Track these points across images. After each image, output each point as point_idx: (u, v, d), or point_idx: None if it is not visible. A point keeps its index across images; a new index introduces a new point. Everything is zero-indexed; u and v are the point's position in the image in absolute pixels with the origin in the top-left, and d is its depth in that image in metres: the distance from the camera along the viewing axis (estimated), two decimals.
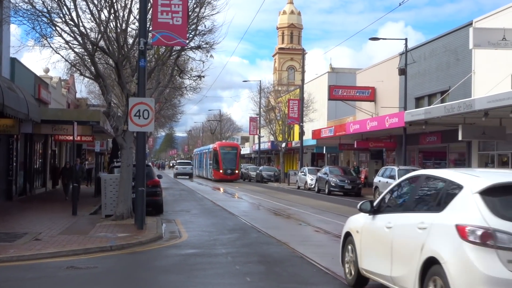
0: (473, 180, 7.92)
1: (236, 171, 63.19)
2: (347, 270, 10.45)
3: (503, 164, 32.27)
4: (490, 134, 30.00)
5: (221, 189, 44.52)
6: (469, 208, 7.51)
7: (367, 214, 9.79)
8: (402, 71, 38.03)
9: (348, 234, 10.55)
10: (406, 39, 38.79)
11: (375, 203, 9.82)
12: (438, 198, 8.31)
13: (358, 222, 10.25)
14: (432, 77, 39.52)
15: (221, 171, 61.29)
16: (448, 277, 7.19)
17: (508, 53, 29.65)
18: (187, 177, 72.08)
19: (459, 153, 36.74)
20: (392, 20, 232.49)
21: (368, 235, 9.75)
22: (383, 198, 9.97)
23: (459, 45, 35.69)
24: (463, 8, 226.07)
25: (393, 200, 9.89)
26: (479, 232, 7.10)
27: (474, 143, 33.85)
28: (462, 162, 35.54)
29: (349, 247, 10.37)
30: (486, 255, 7.06)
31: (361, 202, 10.00)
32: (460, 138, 30.13)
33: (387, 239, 8.89)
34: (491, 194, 7.49)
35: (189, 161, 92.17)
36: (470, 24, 34.00)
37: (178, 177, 72.07)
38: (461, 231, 7.26)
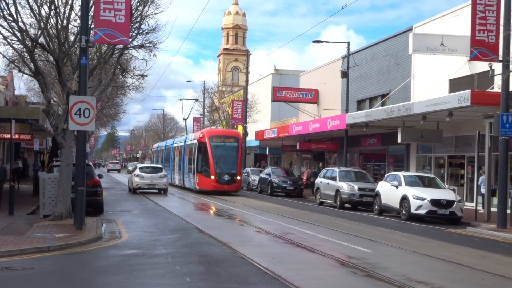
0: (139, 165, 44.93)
1: (238, 177, 39.25)
2: (129, 187, 39.95)
3: (440, 166, 33.06)
4: (428, 137, 30.70)
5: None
6: (136, 170, 38.92)
7: (133, 173, 39.51)
8: (344, 74, 38.57)
9: (129, 178, 41.40)
10: (348, 43, 39.38)
11: (133, 170, 43.91)
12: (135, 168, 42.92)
13: (132, 175, 39.50)
14: (373, 81, 40.23)
15: (212, 177, 38.01)
16: (130, 182, 39.57)
17: (446, 58, 30.43)
18: (117, 171, 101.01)
19: (398, 155, 37.44)
20: (334, 24, 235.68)
21: (132, 178, 38.54)
22: (134, 169, 43.19)
23: (399, 50, 36.44)
24: (403, 13, 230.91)
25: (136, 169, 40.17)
26: (136, 174, 37.86)
27: (413, 145, 34.59)
28: (400, 164, 36.24)
29: (129, 182, 40.60)
30: (135, 177, 37.61)
31: (130, 169, 59.57)
32: (399, 140, 30.76)
33: (134, 178, 37.74)
34: (140, 168, 39.77)
35: (118, 161, 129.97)
36: (410, 29, 34.76)
37: (109, 171, 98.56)
38: (134, 175, 37.84)
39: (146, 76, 24.94)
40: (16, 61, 21.67)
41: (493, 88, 26.40)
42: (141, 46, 22.06)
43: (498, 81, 23.58)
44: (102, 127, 70.22)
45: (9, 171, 27.84)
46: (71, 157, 19.46)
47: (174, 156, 50.73)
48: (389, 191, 25.93)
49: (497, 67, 23.68)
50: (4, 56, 20.93)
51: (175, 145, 51.77)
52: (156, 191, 38.17)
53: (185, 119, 69.96)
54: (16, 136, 28.61)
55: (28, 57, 19.45)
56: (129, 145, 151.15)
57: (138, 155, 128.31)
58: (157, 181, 37.66)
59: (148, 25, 21.70)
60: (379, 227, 21.36)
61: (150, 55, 22.83)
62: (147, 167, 40.99)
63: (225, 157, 39.09)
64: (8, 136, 26.21)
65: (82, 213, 17.22)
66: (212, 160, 38.25)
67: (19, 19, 18.40)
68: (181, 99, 72.33)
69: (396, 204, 25.04)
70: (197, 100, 69.55)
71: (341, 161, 39.35)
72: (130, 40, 19.71)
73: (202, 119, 70.78)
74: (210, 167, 38.16)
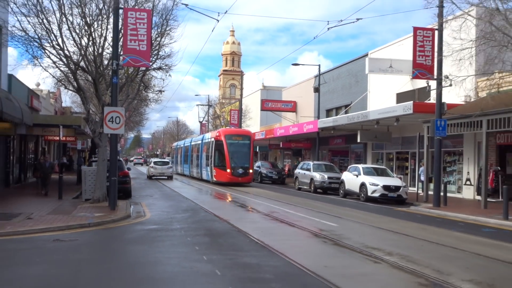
0: (153, 160, 50.82)
1: (250, 170, 35.54)
2: (147, 175, 44.11)
3: (389, 160, 33.21)
4: (380, 137, 30.83)
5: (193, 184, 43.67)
6: (151, 164, 45.14)
7: (149, 165, 45.56)
8: (316, 89, 38.65)
9: (147, 169, 45.40)
10: (319, 65, 39.49)
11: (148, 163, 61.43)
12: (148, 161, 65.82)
13: (149, 167, 45.15)
14: (339, 94, 40.31)
15: (228, 170, 34.45)
16: (148, 172, 45.09)
17: (394, 77, 30.57)
18: (140, 164, 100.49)
19: (357, 151, 37.57)
20: (308, 51, 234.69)
21: (149, 169, 43.78)
22: (150, 162, 49.05)
23: (358, 71, 36.53)
24: (361, 42, 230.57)
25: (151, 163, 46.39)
26: (151, 166, 44.22)
27: (369, 144, 34.72)
28: (360, 158, 36.35)
29: (147, 171, 44.56)
30: (151, 168, 43.34)
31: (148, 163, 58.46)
32: (358, 140, 30.87)
33: (150, 169, 43.05)
34: (154, 162, 45.06)
35: (142, 157, 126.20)
36: (366, 55, 34.85)
37: (135, 165, 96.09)
38: (150, 166, 44.37)
39: (163, 91, 25.22)
40: (63, 80, 21.62)
41: (429, 99, 26.52)
42: (159, 68, 22.08)
43: (433, 94, 23.70)
44: (129, 131, 69.90)
45: (57, 166, 27.78)
46: (106, 154, 19.44)
47: (192, 153, 45.84)
48: (351, 179, 26.00)
49: (433, 83, 23.81)
50: (53, 77, 20.90)
51: (192, 143, 46.89)
52: (165, 177, 43.00)
53: (200, 122, 67.83)
54: (64, 138, 28.57)
55: (72, 77, 19.42)
56: (150, 144, 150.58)
57: (157, 153, 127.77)
58: (165, 170, 43.71)
59: (165, 52, 21.81)
60: (344, 207, 21.40)
61: (166, 75, 22.96)
62: (158, 161, 47.12)
63: (239, 153, 35.11)
64: (57, 138, 26.16)
65: (115, 197, 17.23)
66: (228, 156, 34.59)
67: (65, 48, 18.40)
68: (197, 105, 70.07)
69: (356, 189, 25.14)
70: (211, 105, 67.90)
71: (314, 156, 39.43)
72: (151, 63, 19.72)
73: (207, 124, 70.60)
74: (226, 162, 34.69)
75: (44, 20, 17.94)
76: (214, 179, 35.84)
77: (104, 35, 19.20)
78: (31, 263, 9.28)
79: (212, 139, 37.17)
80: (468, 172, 25.81)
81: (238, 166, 34.61)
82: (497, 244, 12.35)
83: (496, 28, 16.29)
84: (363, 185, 24.46)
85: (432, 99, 25.08)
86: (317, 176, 29.84)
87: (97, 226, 13.90)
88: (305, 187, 31.40)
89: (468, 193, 25.54)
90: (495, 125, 19.95)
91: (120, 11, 17.67)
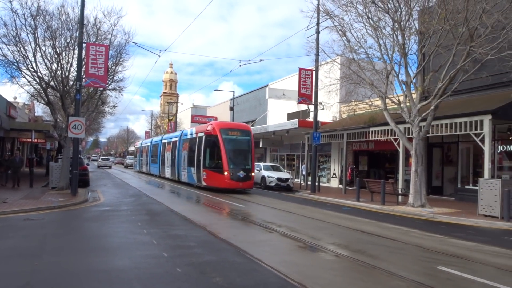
0: (101, 156, 59.25)
1: (252, 173, 20.59)
2: (97, 166, 46.50)
3: (282, 160, 33.99)
4: (276, 144, 31.44)
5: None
6: (99, 159, 52.30)
7: (98, 160, 52.06)
8: (231, 109, 38.69)
9: (98, 163, 46.07)
10: (233, 92, 39.59)
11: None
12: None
13: (98, 161, 51.28)
14: (247, 113, 40.73)
15: (225, 173, 19.78)
16: (97, 163, 48.94)
17: (285, 102, 31.36)
18: (96, 161, 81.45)
19: (260, 153, 38.16)
20: (226, 81, 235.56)
21: (98, 162, 45.83)
22: (99, 158, 56.98)
23: (261, 96, 37.16)
24: (264, 77, 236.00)
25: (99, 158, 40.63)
26: (99, 160, 50.93)
27: (268, 148, 35.32)
28: (261, 158, 36.92)
29: (97, 164, 35.36)
30: (99, 161, 50.70)
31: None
32: (260, 146, 31.24)
33: (98, 162, 45.58)
34: (102, 158, 43.11)
35: (97, 156, 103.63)
36: (266, 85, 35.53)
37: (92, 160, 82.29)
38: (98, 160, 47.60)
39: (116, 106, 24.21)
40: (36, 95, 20.12)
41: (309, 118, 27.56)
42: (114, 89, 21.18)
43: (312, 115, 24.68)
44: (89, 135, 65.61)
45: (27, 161, 25.73)
46: (70, 153, 18.27)
47: (164, 151, 30.70)
48: (256, 173, 26.21)
49: (311, 107, 24.80)
50: (28, 92, 19.44)
51: (164, 141, 31.63)
52: (108, 167, 52.30)
53: (169, 120, 55.65)
54: (35, 140, 26.52)
55: (43, 93, 18.11)
56: (106, 146, 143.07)
57: (112, 152, 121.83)
58: (107, 163, 53.85)
59: (118, 77, 20.94)
60: (250, 194, 21.46)
61: (119, 94, 22.09)
62: (104, 158, 57.18)
63: (238, 152, 20.77)
64: (30, 140, 24.18)
65: (76, 186, 16.26)
66: (225, 155, 20.09)
67: (38, 71, 17.16)
68: (168, 103, 65.16)
69: (259, 180, 25.35)
70: (177, 102, 65.93)
71: None
72: (107, 85, 18.87)
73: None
74: (222, 163, 20.14)
75: (21, 49, 16.63)
76: (204, 183, 21.39)
77: (70, 62, 18.10)
78: (5, 237, 8.50)
79: (201, 134, 22.13)
80: (334, 169, 27.06)
81: (239, 168, 20.27)
82: (351, 218, 12.97)
83: (352, 71, 17.29)
84: (263, 177, 24.79)
85: (311, 118, 26.11)
86: None
87: (60, 208, 13.03)
88: None
89: (334, 183, 26.79)
90: (351, 137, 21.11)
91: (84, 45, 16.74)
